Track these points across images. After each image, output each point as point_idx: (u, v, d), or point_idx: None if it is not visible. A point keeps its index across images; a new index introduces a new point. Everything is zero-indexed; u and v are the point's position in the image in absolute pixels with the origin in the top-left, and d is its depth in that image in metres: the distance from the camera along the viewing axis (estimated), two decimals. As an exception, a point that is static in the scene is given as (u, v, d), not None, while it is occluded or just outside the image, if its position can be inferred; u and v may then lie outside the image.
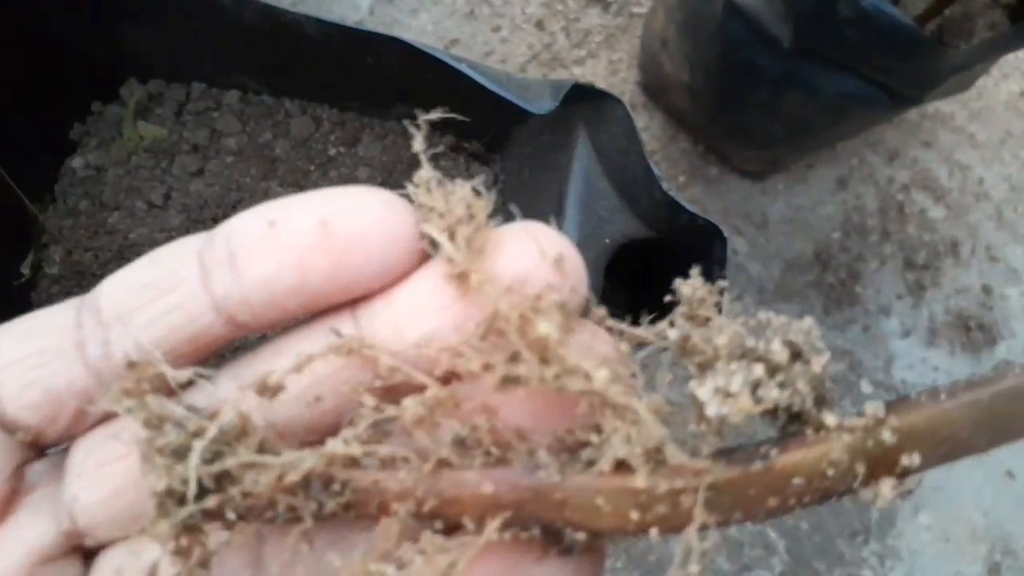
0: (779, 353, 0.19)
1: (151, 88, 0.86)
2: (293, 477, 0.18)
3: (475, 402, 0.20)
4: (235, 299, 0.20)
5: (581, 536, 0.19)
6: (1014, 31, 0.66)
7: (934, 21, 0.74)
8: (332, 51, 0.70)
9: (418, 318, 0.20)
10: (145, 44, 0.81)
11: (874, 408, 0.19)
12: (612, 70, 1.00)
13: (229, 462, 0.18)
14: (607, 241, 0.65)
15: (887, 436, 0.19)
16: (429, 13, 1.01)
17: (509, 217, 0.21)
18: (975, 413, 0.19)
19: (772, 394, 0.19)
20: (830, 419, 0.19)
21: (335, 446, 0.19)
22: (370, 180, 0.82)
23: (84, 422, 0.21)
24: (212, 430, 0.18)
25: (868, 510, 0.90)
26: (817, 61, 0.73)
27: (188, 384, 0.20)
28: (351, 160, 0.83)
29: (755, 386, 0.19)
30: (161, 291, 0.20)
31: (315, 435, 0.21)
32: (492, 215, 0.20)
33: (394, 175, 0.82)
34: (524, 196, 0.76)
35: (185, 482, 0.18)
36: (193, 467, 0.18)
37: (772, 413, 0.19)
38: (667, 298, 0.21)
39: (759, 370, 0.19)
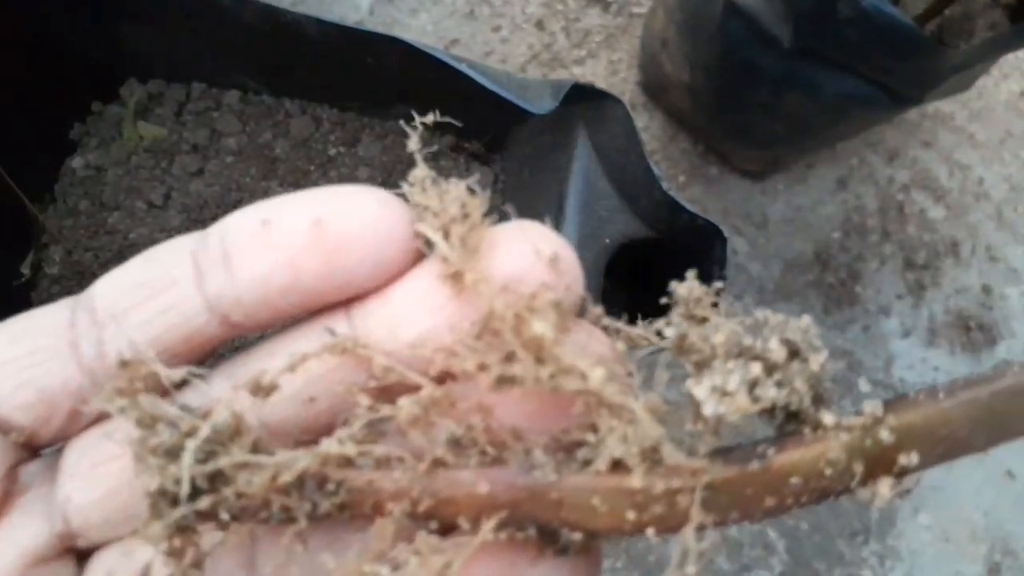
0: (776, 352, 0.19)
1: (151, 88, 0.86)
2: (287, 477, 0.18)
3: (470, 402, 0.20)
4: (228, 299, 0.20)
5: (577, 536, 0.19)
6: (1014, 31, 0.65)
7: (934, 21, 0.74)
8: (332, 51, 0.70)
9: (413, 318, 0.20)
10: (145, 44, 0.81)
11: (872, 407, 0.19)
12: (612, 70, 1.00)
13: (223, 462, 0.18)
14: (607, 241, 0.65)
15: (885, 435, 0.19)
16: (429, 13, 1.01)
17: (506, 217, 0.21)
18: (974, 412, 0.19)
19: (769, 393, 0.19)
20: (828, 418, 0.19)
21: (329, 446, 0.19)
22: (370, 180, 0.82)
23: (78, 422, 0.21)
24: (205, 430, 0.18)
25: (868, 510, 0.90)
26: (817, 61, 0.73)
27: (182, 384, 0.20)
28: (351, 160, 0.83)
29: (752, 385, 0.19)
30: (155, 290, 0.20)
31: (309, 435, 0.20)
32: (487, 214, 0.20)
33: (394, 175, 0.82)
34: (524, 196, 0.76)
35: (178, 482, 0.18)
36: (186, 467, 0.18)
37: (770, 412, 0.19)
38: (663, 300, 0.21)
39: (756, 369, 0.19)
